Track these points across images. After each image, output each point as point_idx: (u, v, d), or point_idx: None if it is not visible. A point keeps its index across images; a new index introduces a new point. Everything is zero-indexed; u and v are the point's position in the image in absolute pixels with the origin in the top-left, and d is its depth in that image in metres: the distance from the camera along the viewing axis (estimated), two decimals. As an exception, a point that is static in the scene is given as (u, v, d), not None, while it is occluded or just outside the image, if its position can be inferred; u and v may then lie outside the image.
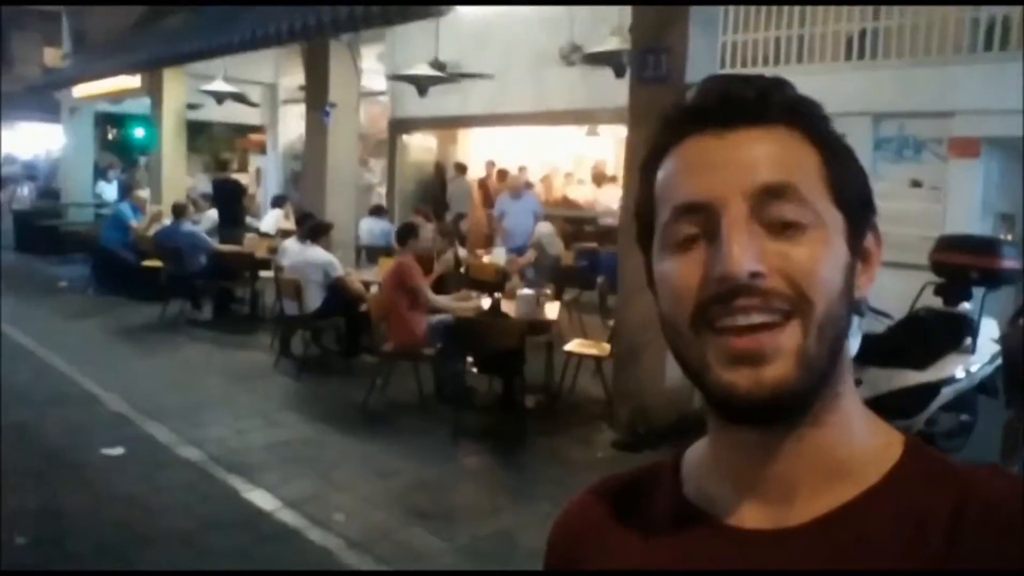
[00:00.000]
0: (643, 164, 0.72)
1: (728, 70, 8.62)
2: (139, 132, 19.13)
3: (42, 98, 18.40)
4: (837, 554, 0.64)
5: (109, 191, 16.47)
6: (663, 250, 0.69)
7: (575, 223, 12.25)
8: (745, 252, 0.62)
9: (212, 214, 11.47)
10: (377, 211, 11.24)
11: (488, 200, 13.28)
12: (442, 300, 6.69)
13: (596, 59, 8.22)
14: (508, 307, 6.45)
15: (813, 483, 0.67)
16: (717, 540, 0.69)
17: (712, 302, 0.64)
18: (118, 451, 5.47)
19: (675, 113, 0.70)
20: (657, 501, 0.76)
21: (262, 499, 4.79)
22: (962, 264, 5.39)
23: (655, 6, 5.87)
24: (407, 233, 6.76)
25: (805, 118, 0.68)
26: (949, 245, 5.56)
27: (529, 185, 11.13)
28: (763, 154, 0.65)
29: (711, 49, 5.99)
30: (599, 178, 12.54)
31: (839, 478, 0.67)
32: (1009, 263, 5.32)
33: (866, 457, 0.68)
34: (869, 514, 0.65)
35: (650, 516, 0.75)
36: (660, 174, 0.70)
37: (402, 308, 6.35)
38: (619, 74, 7.84)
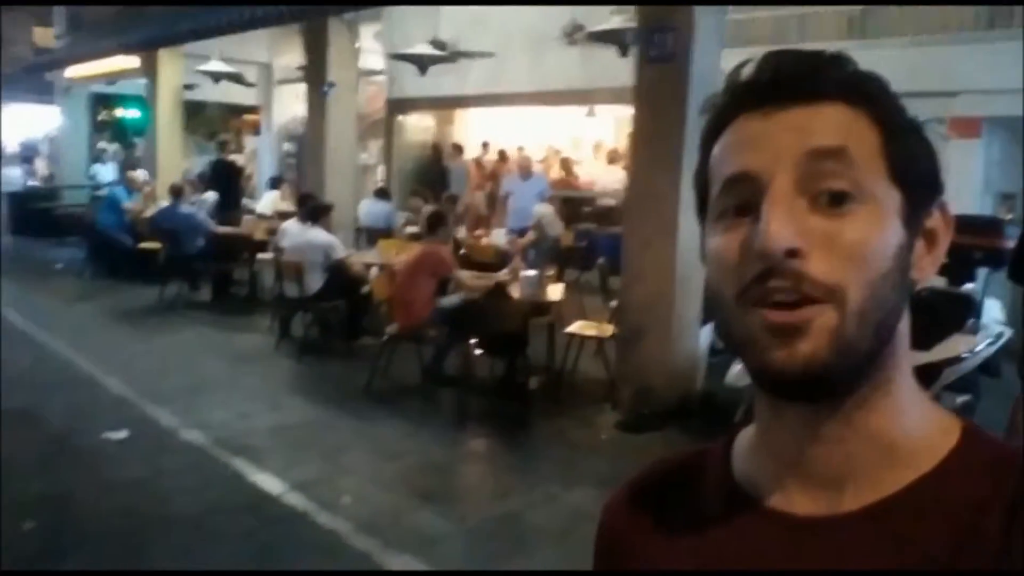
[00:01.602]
0: (701, 140, 0.72)
1: (730, 49, 8.57)
2: (134, 113, 19.01)
3: (35, 79, 18.23)
4: (890, 543, 0.63)
5: (104, 172, 16.36)
6: (713, 224, 0.68)
7: (573, 204, 12.22)
8: (784, 227, 0.61)
9: (211, 196, 11.38)
10: (381, 193, 11.19)
11: (483, 181, 13.24)
12: (471, 279, 6.65)
13: (600, 38, 8.16)
14: (510, 288, 6.45)
15: (865, 468, 0.66)
16: (768, 526, 0.68)
17: (752, 283, 0.63)
18: (122, 435, 5.45)
19: (730, 88, 0.69)
20: (707, 486, 0.75)
21: (268, 482, 4.79)
22: (965, 244, 5.38)
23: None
24: (437, 222, 6.72)
25: (864, 94, 0.66)
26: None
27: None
28: (815, 124, 0.64)
29: (718, 27, 5.94)
30: (611, 156, 12.44)
31: (892, 464, 0.66)
32: (1012, 243, 5.31)
33: (921, 444, 0.66)
34: (923, 502, 0.64)
35: (700, 501, 0.75)
36: (715, 150, 0.69)
37: (423, 293, 6.34)
38: (623, 53, 7.79)
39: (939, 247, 0.68)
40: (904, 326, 0.67)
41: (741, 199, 0.65)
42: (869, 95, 0.66)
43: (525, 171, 10.47)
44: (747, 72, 0.68)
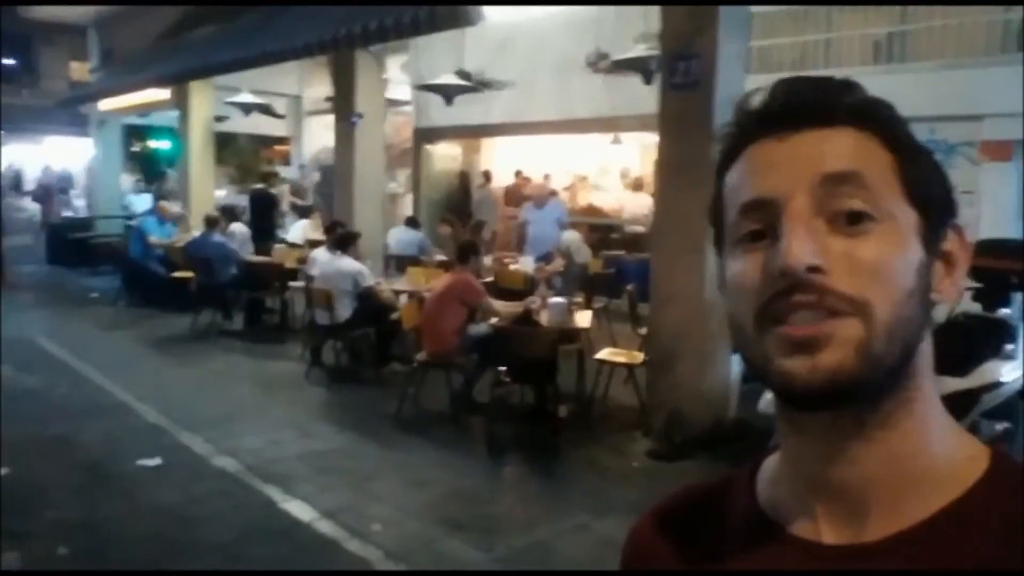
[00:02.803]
0: (716, 168, 0.72)
1: (754, 76, 8.58)
2: (166, 144, 19.32)
3: (70, 112, 18.62)
4: (918, 572, 0.63)
5: (139, 203, 16.62)
6: (731, 250, 0.68)
7: (601, 231, 12.22)
8: (804, 246, 0.61)
9: (238, 227, 11.33)
10: (411, 222, 11.27)
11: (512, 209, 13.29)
12: (500, 307, 6.67)
13: (624, 66, 8.21)
14: (538, 316, 6.45)
15: (890, 494, 0.65)
16: (792, 554, 0.68)
17: (774, 299, 0.63)
18: (155, 462, 5.50)
19: (742, 117, 0.69)
20: (732, 513, 0.75)
21: (299, 509, 4.81)
22: (1001, 268, 5.31)
23: (684, 10, 5.84)
24: (469, 251, 6.76)
25: (876, 120, 0.66)
26: (987, 249, 5.48)
27: (553, 193, 11.08)
28: (828, 149, 0.64)
29: (741, 55, 5.95)
30: (637, 183, 12.42)
31: (918, 490, 0.65)
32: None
33: (948, 470, 0.66)
34: (951, 530, 0.63)
35: (726, 528, 0.74)
36: (729, 178, 0.70)
37: (452, 320, 6.38)
38: (647, 81, 7.83)
39: (958, 269, 0.68)
40: (927, 347, 0.67)
41: (759, 224, 0.65)
42: (880, 120, 0.66)
43: (540, 199, 10.41)
44: (758, 100, 0.68)
